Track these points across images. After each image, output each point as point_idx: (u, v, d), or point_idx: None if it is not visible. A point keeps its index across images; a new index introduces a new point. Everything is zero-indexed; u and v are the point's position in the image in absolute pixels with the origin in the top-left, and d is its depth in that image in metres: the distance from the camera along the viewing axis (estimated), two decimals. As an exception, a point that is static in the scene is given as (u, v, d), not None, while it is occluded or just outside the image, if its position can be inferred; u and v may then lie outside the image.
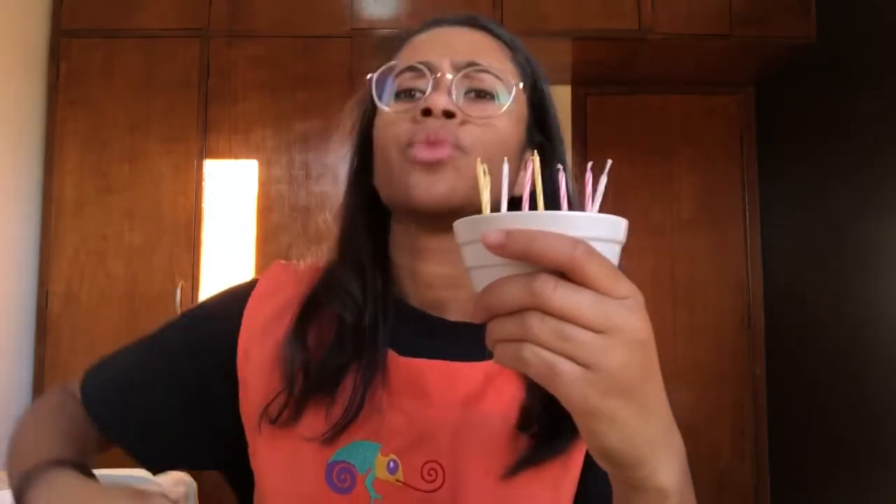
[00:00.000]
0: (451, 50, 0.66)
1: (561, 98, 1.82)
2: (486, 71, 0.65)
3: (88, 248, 2.47)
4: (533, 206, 0.41)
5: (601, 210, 0.41)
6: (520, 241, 0.36)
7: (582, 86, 3.02)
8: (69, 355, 2.40)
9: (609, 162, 0.44)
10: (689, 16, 2.56)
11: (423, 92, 0.64)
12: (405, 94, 0.66)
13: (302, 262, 0.74)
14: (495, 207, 0.42)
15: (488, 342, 0.39)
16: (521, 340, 0.36)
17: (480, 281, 0.39)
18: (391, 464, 0.61)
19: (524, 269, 0.37)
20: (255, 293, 0.69)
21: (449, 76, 0.64)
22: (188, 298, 2.45)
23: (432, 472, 0.60)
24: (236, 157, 2.53)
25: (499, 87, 0.65)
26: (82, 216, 2.49)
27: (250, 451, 0.65)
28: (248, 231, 2.50)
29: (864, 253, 2.30)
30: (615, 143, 2.95)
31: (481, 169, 0.43)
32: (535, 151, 0.46)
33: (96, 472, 0.61)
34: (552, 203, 0.44)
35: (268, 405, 0.62)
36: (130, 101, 2.53)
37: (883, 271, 2.19)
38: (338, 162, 2.52)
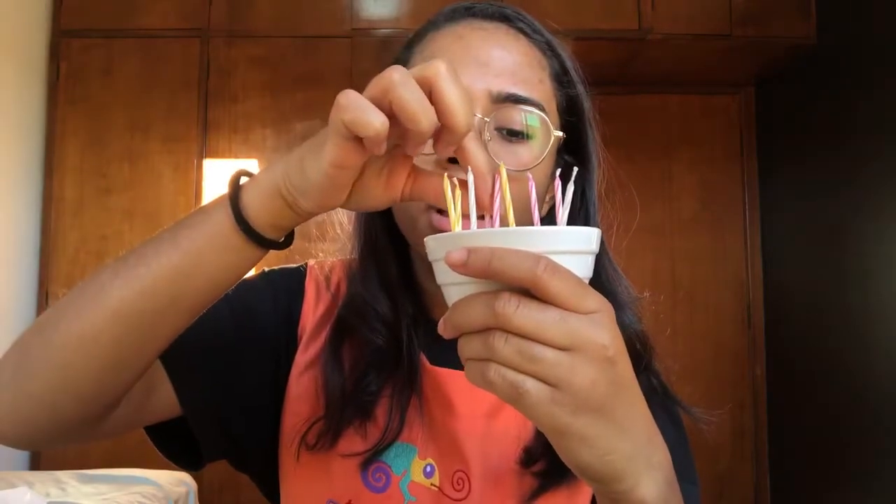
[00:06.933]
0: (485, 68, 0.57)
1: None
2: (527, 102, 0.56)
3: (88, 248, 2.47)
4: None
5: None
6: (481, 259, 0.35)
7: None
8: (69, 355, 2.39)
9: (575, 170, 0.43)
10: (689, 16, 2.56)
11: None
12: None
13: (329, 262, 0.71)
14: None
15: (461, 359, 0.38)
16: (488, 360, 0.36)
17: (450, 297, 0.39)
18: (428, 468, 0.61)
19: (492, 286, 0.36)
20: (304, 306, 0.67)
21: (480, 116, 0.55)
22: (188, 298, 2.45)
23: (460, 482, 0.60)
24: (236, 157, 2.53)
25: (539, 129, 0.57)
26: (82, 216, 2.49)
27: (282, 469, 0.64)
28: (248, 231, 2.50)
29: (863, 252, 2.30)
30: (615, 143, 2.92)
31: (447, 183, 0.42)
32: (502, 164, 0.43)
33: (96, 471, 0.60)
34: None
35: (306, 432, 0.61)
36: (130, 101, 2.53)
37: (883, 271, 2.19)
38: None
